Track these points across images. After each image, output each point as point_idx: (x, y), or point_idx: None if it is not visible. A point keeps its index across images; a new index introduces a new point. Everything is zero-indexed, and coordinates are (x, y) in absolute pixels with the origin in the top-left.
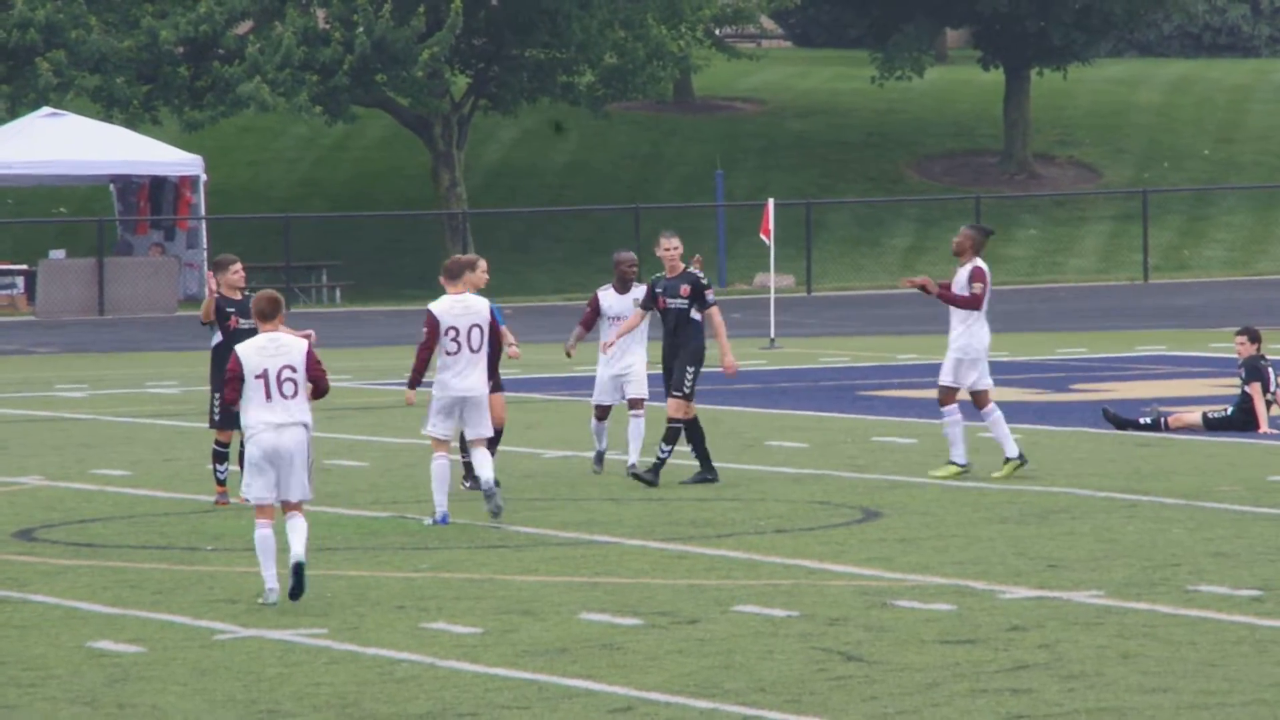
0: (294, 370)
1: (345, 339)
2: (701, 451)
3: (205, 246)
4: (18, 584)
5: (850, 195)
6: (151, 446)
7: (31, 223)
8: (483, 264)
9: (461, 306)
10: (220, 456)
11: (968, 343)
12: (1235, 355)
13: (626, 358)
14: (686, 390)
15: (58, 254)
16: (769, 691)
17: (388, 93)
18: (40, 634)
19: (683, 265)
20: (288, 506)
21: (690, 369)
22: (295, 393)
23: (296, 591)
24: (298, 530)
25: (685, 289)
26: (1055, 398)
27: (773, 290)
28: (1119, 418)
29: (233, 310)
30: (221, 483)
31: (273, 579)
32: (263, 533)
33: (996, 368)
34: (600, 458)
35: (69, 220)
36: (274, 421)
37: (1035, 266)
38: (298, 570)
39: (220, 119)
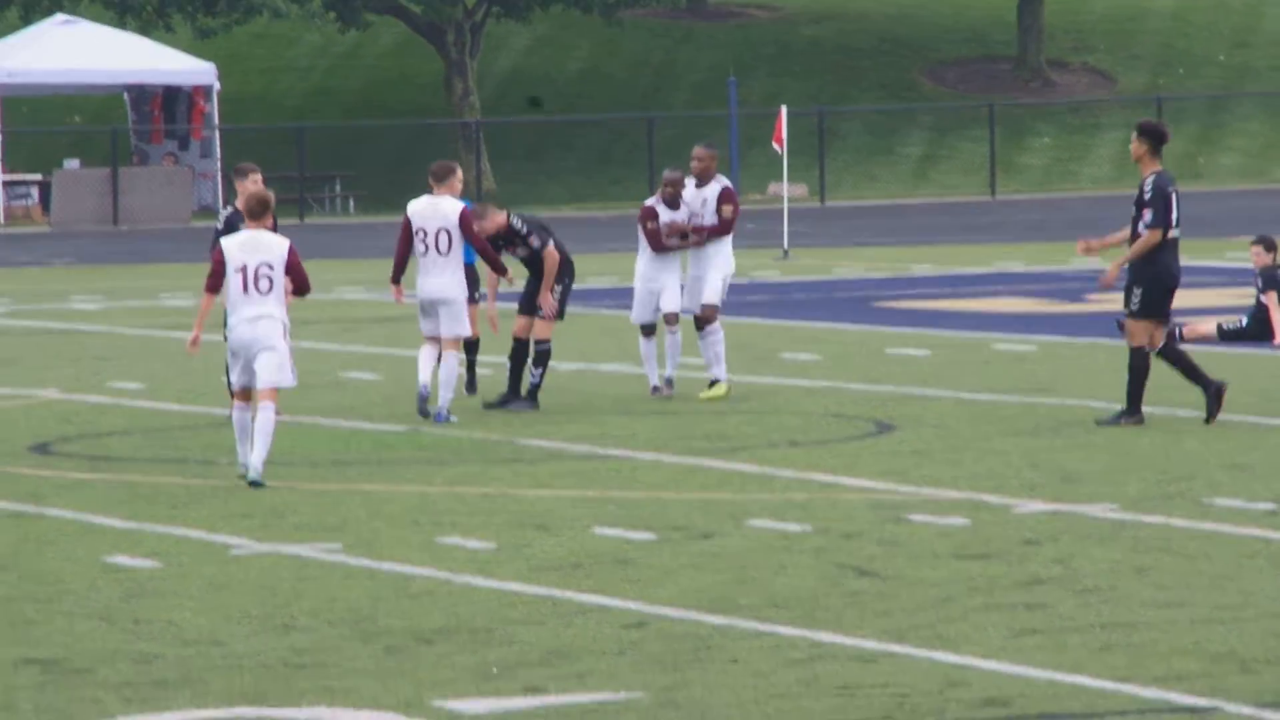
0: (271, 268)
1: (359, 249)
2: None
3: (219, 156)
4: (34, 498)
5: (863, 103)
6: (167, 359)
7: (45, 132)
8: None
9: (432, 209)
10: None
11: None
12: (1251, 265)
13: (663, 275)
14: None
15: (72, 164)
16: (782, 606)
17: (400, 0)
18: (56, 548)
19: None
20: (261, 395)
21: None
22: (270, 289)
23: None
24: (262, 431)
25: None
26: (1070, 309)
27: (786, 200)
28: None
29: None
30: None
31: (245, 455)
32: (236, 414)
33: (1011, 278)
34: (666, 382)
35: (83, 130)
36: (247, 315)
37: (1050, 175)
38: (253, 484)
39: (234, 26)
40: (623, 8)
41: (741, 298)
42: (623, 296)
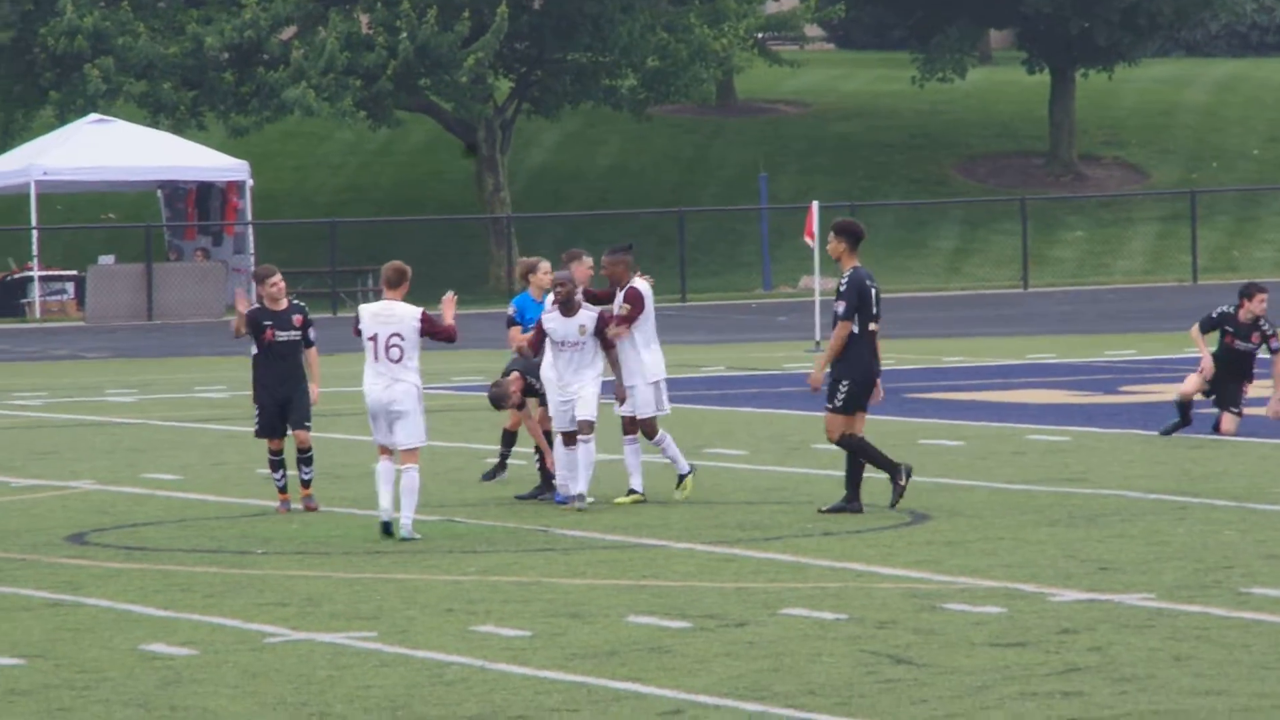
0: (401, 338)
1: None
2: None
3: (252, 252)
4: (71, 587)
5: (894, 197)
6: (201, 451)
7: (80, 228)
8: (545, 264)
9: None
10: (275, 465)
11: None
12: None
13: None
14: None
15: (107, 259)
16: (818, 694)
17: (431, 97)
18: (94, 636)
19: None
20: (403, 459)
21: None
22: (400, 358)
23: (387, 533)
24: (408, 490)
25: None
26: (1104, 399)
27: (818, 293)
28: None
29: (270, 323)
30: (282, 490)
31: (384, 500)
32: (381, 465)
33: (1045, 369)
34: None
35: (117, 226)
36: (379, 381)
37: (1082, 268)
38: (386, 528)
39: (265, 124)
40: (652, 104)
41: (774, 389)
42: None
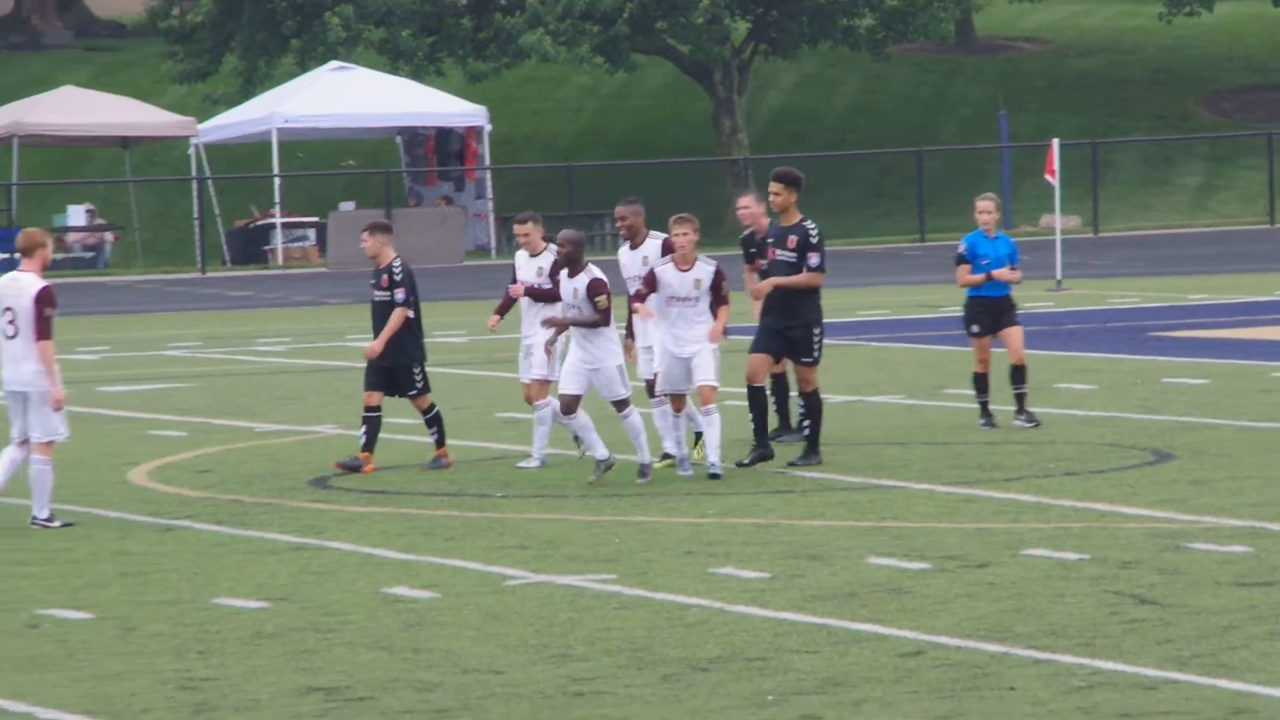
0: (696, 300)
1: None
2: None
3: (490, 196)
4: (314, 531)
5: (1137, 134)
6: (439, 395)
7: (321, 175)
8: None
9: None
10: (432, 422)
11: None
12: None
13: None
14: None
15: (347, 206)
16: (1060, 635)
17: (668, 40)
18: (337, 580)
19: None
20: (703, 396)
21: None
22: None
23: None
24: (712, 426)
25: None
26: None
27: (1059, 231)
28: None
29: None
30: (439, 444)
31: (671, 448)
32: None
33: None
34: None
35: (358, 172)
36: (678, 335)
37: None
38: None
39: (503, 70)
40: (890, 43)
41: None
42: (893, 329)
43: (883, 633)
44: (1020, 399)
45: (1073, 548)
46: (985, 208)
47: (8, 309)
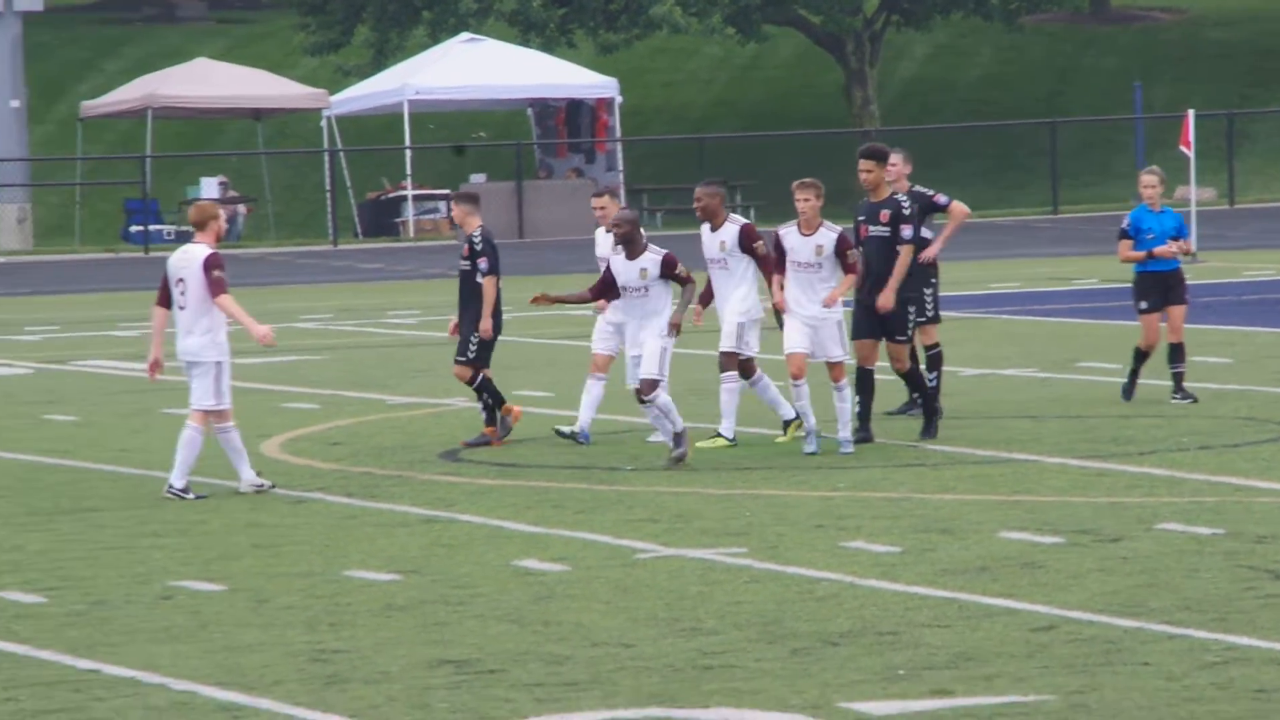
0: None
1: None
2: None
3: (621, 169)
4: (445, 503)
5: (1275, 105)
6: (570, 368)
7: (452, 147)
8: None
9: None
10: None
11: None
12: None
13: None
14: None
15: (478, 178)
16: (1194, 610)
17: (799, 11)
18: (467, 552)
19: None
20: (834, 374)
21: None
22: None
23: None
24: (844, 400)
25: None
26: None
27: (1194, 203)
28: None
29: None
30: (492, 417)
31: (791, 412)
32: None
33: None
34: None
35: (489, 144)
36: (801, 300)
37: None
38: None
39: (634, 42)
40: (1024, 13)
41: None
42: (1025, 301)
43: (1015, 607)
44: (1177, 378)
45: (1207, 522)
46: (1149, 181)
47: (180, 280)
